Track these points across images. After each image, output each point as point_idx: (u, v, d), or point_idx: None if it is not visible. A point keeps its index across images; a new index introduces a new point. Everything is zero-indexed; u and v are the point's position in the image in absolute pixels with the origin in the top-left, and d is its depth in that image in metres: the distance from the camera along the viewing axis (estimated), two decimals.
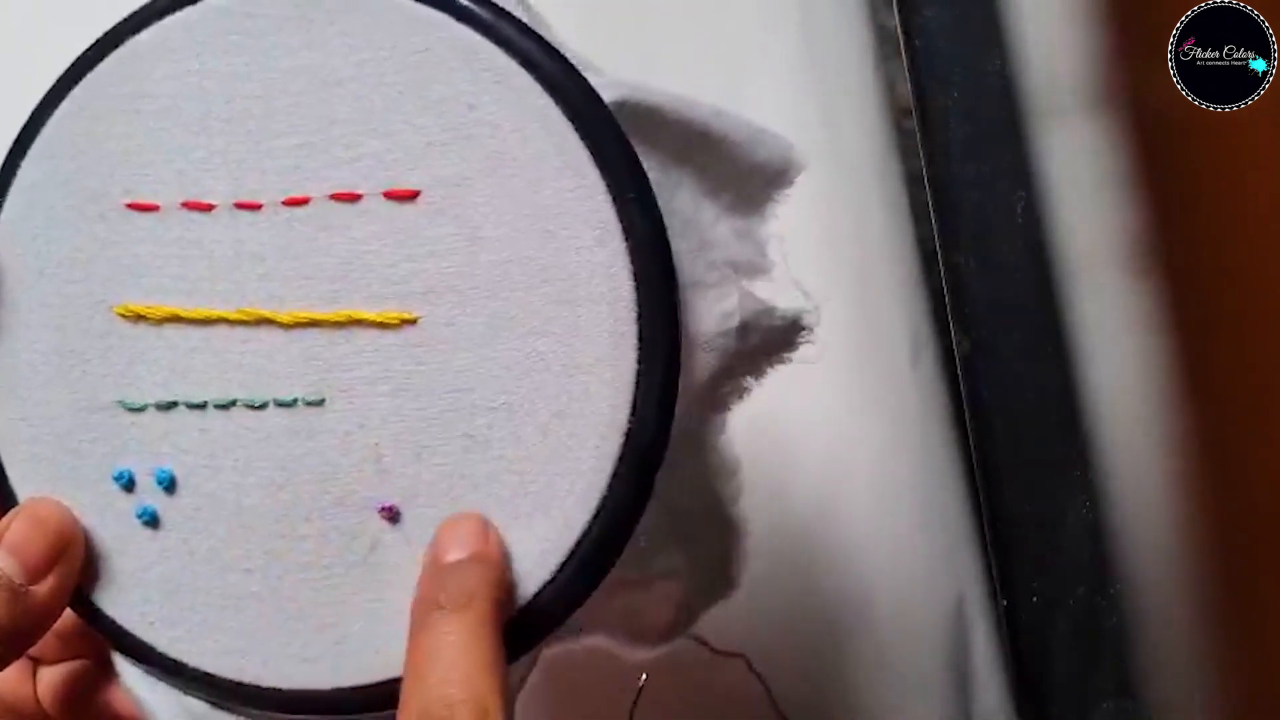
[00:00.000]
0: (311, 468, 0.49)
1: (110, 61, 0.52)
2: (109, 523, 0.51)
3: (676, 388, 0.47)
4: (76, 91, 0.52)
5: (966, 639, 0.81)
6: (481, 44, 0.48)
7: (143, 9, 0.52)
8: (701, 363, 0.51)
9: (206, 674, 0.50)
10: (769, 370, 0.54)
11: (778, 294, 0.54)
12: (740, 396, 0.54)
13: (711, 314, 0.50)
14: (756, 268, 0.54)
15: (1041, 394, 0.79)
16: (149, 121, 0.51)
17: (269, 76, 0.50)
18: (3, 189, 0.53)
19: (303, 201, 0.49)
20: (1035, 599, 0.79)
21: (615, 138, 0.47)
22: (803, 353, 0.55)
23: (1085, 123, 0.74)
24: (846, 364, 0.83)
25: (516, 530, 0.47)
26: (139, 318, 0.51)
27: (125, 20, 0.52)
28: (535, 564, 0.47)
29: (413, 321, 0.48)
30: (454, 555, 0.46)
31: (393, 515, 0.48)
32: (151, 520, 0.51)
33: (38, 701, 0.57)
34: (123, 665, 0.53)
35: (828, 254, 0.84)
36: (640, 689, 0.66)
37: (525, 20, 0.49)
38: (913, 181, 0.87)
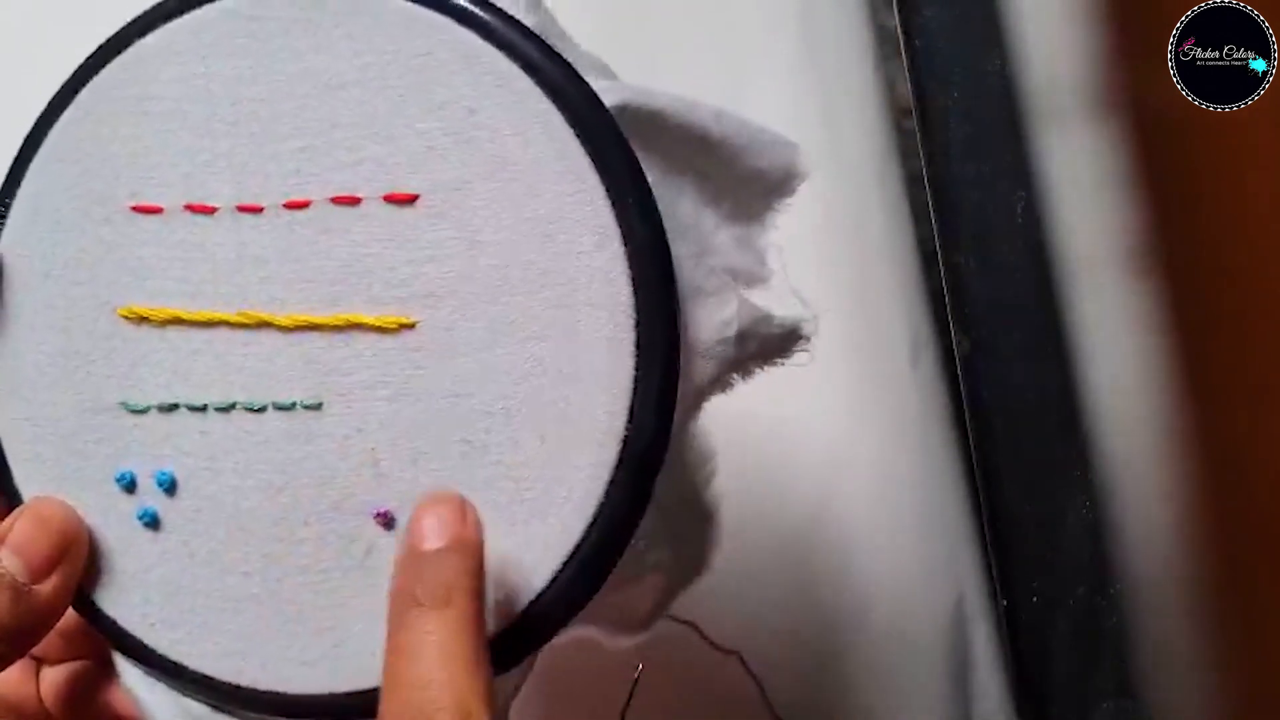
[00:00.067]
0: (310, 471, 0.49)
1: (116, 65, 0.52)
2: (111, 524, 0.52)
3: (675, 394, 0.47)
4: (83, 95, 0.53)
5: (966, 639, 0.81)
6: (483, 48, 0.48)
7: (149, 12, 0.52)
8: (699, 370, 0.51)
9: (206, 676, 0.51)
10: (757, 371, 0.54)
11: (775, 302, 0.53)
12: (724, 390, 0.54)
13: (710, 321, 0.50)
14: (755, 276, 0.54)
15: (1041, 394, 0.79)
16: (155, 124, 0.51)
17: (273, 80, 0.50)
18: (10, 191, 0.54)
19: (303, 205, 0.49)
20: (1035, 599, 0.79)
21: (616, 142, 0.47)
22: (796, 358, 0.55)
23: (1085, 123, 0.74)
24: (846, 364, 0.83)
25: (513, 536, 0.47)
26: (142, 320, 0.51)
27: (131, 23, 0.52)
28: (532, 571, 0.47)
29: (411, 326, 0.48)
30: (431, 543, 0.45)
31: (388, 521, 0.48)
32: (152, 522, 0.51)
33: (40, 701, 0.57)
34: (123, 666, 0.53)
35: (828, 254, 0.84)
36: (636, 679, 0.66)
37: (535, 22, 0.49)
38: (913, 182, 0.87)
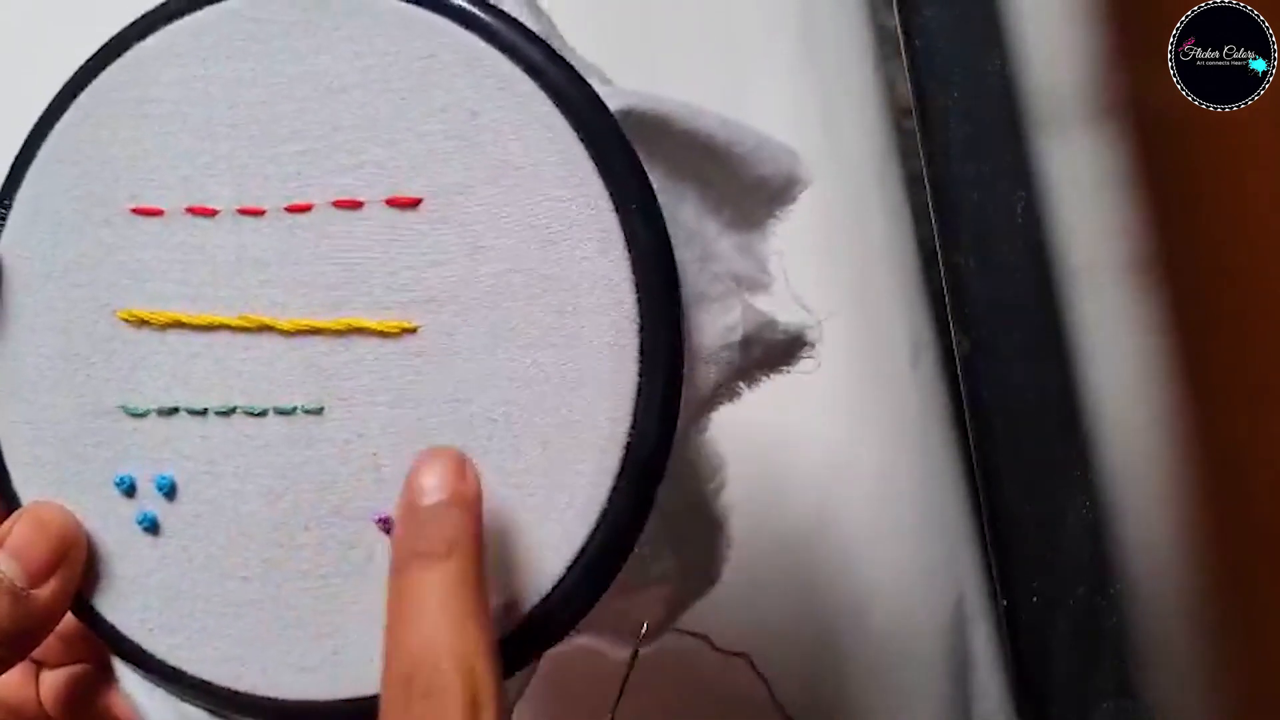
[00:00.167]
0: (310, 476, 0.49)
1: (116, 67, 0.52)
2: (110, 528, 0.51)
3: (678, 401, 0.47)
4: (83, 97, 0.53)
5: (966, 639, 0.81)
6: (486, 50, 0.48)
7: (149, 14, 0.52)
8: (703, 375, 0.50)
9: (204, 681, 0.50)
10: (764, 378, 0.54)
11: (779, 309, 0.53)
12: (731, 399, 0.54)
13: (714, 327, 0.50)
14: (758, 282, 0.53)
15: (1041, 394, 0.79)
16: (155, 126, 0.51)
17: (274, 82, 0.50)
18: (10, 193, 0.53)
19: (305, 208, 0.49)
20: (1035, 599, 0.78)
21: (620, 146, 0.47)
22: (801, 365, 0.55)
23: (1085, 123, 0.74)
24: (847, 364, 0.83)
25: (515, 543, 0.47)
26: (142, 323, 0.51)
27: (131, 25, 0.52)
28: (535, 577, 0.47)
29: (413, 330, 0.48)
30: (432, 497, 0.45)
31: (389, 527, 0.48)
32: (152, 526, 0.51)
33: (40, 704, 0.57)
34: (122, 670, 0.53)
35: (828, 255, 0.84)
36: (631, 664, 0.66)
37: (535, 26, 0.49)
38: (913, 182, 0.87)
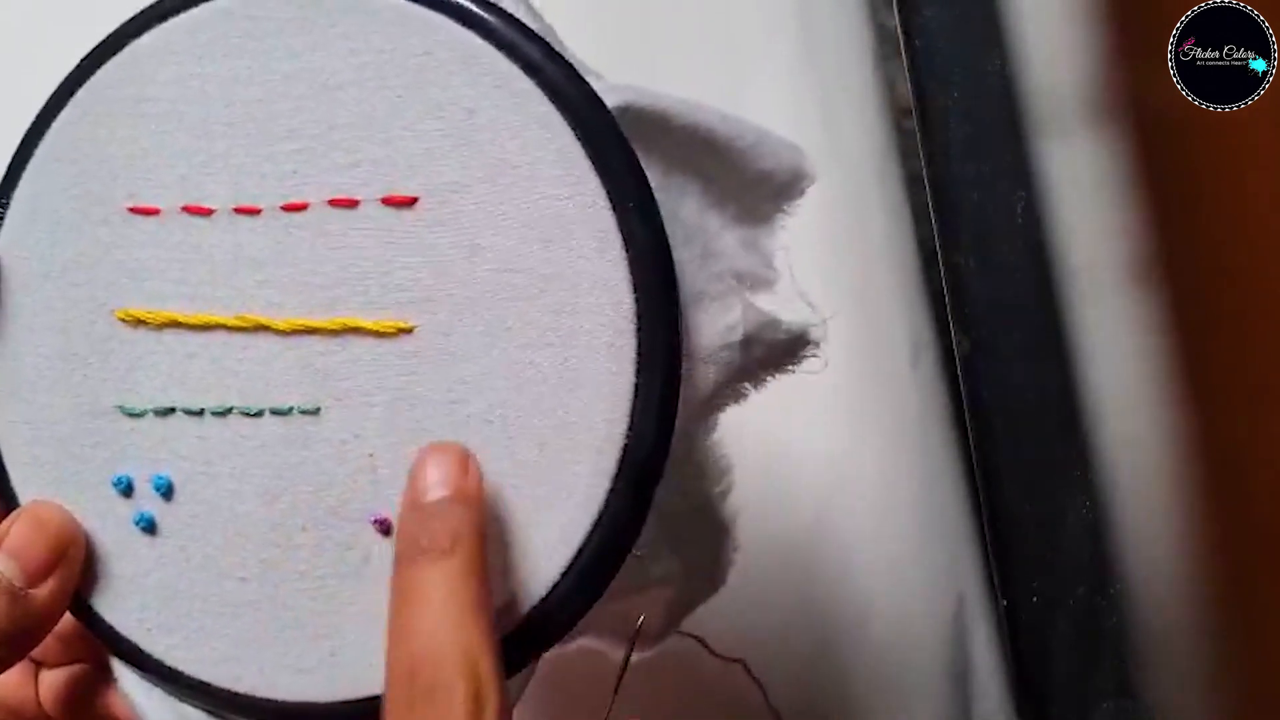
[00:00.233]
0: (307, 477, 0.49)
1: (112, 65, 0.52)
2: (108, 528, 0.51)
3: (676, 401, 0.47)
4: (80, 95, 0.53)
5: (966, 639, 0.81)
6: (483, 48, 0.48)
7: (144, 12, 0.52)
8: (703, 375, 0.50)
9: (202, 682, 0.50)
10: (769, 379, 0.54)
11: (783, 306, 0.53)
12: (737, 400, 0.54)
13: (714, 326, 0.50)
14: (761, 279, 0.53)
15: (1041, 394, 0.79)
16: (151, 125, 0.51)
17: (270, 80, 0.50)
18: (8, 192, 0.53)
19: (301, 207, 0.49)
20: (1035, 599, 0.78)
21: (617, 144, 0.47)
22: (807, 365, 0.54)
23: (1085, 123, 0.74)
24: (847, 364, 0.83)
25: (513, 544, 0.47)
26: (139, 322, 0.51)
27: (127, 24, 0.52)
28: (532, 577, 0.47)
29: (409, 330, 0.48)
30: (435, 493, 0.45)
31: (386, 528, 0.48)
32: (149, 527, 0.51)
33: (39, 704, 0.57)
34: (120, 670, 0.53)
35: (828, 255, 0.84)
36: (626, 660, 0.66)
37: (532, 24, 0.49)
38: (913, 182, 0.87)
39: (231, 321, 0.50)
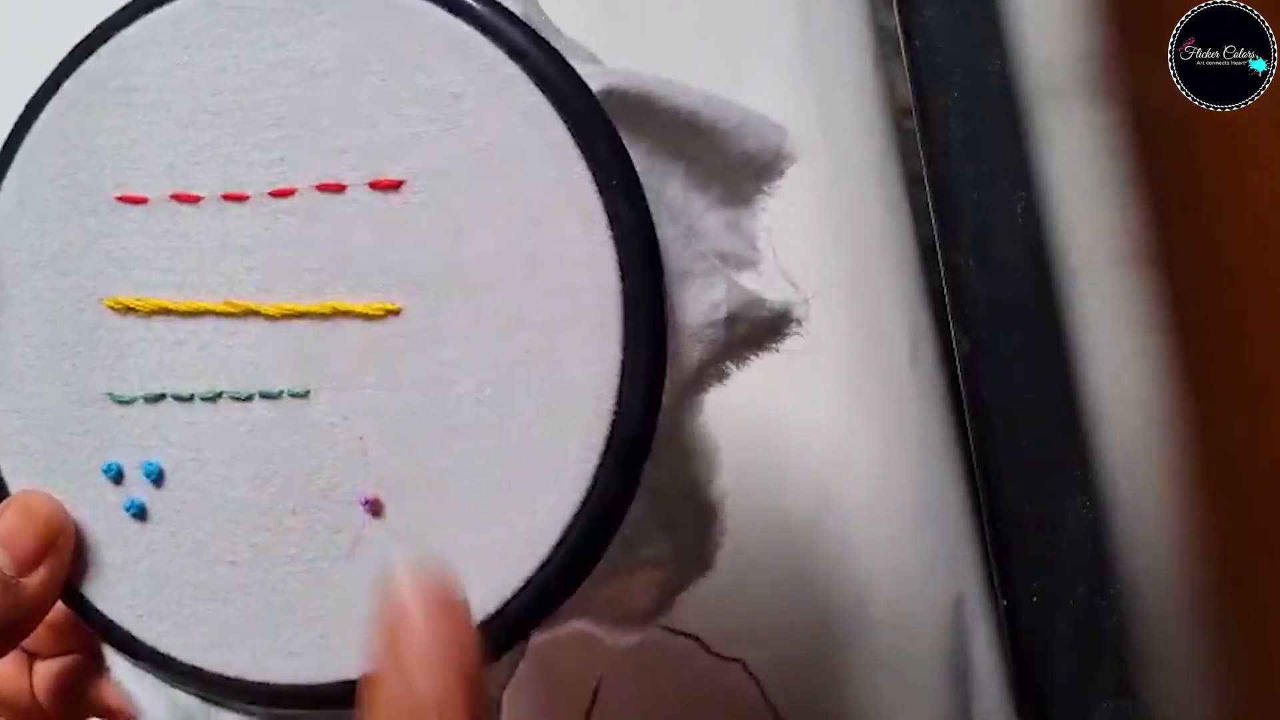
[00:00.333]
0: (297, 460, 0.49)
1: (100, 56, 0.52)
2: (98, 515, 0.51)
3: (663, 378, 0.47)
4: (67, 86, 0.53)
5: (966, 639, 0.81)
6: (469, 34, 0.48)
7: (131, 4, 0.52)
8: (688, 353, 0.50)
9: (195, 668, 0.50)
10: (753, 358, 0.54)
11: (767, 287, 0.53)
12: (720, 380, 0.54)
13: (699, 304, 0.50)
14: (745, 260, 0.53)
15: (1041, 394, 0.79)
16: (139, 115, 0.51)
17: (256, 68, 0.50)
18: None
19: (289, 193, 0.49)
20: (1035, 599, 0.78)
21: (602, 126, 0.47)
22: (790, 344, 0.54)
23: (1085, 123, 0.74)
24: (846, 364, 0.83)
25: (500, 523, 0.47)
26: (128, 310, 0.51)
27: (114, 15, 0.52)
28: (520, 557, 0.47)
29: (396, 312, 0.48)
30: (416, 646, 0.40)
31: (376, 508, 0.48)
32: (139, 513, 0.51)
33: (34, 695, 0.57)
34: (113, 658, 0.53)
35: (828, 254, 0.84)
36: (597, 690, 0.66)
37: (517, 8, 0.49)
38: (913, 182, 0.87)
39: (220, 307, 0.50)
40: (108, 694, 0.56)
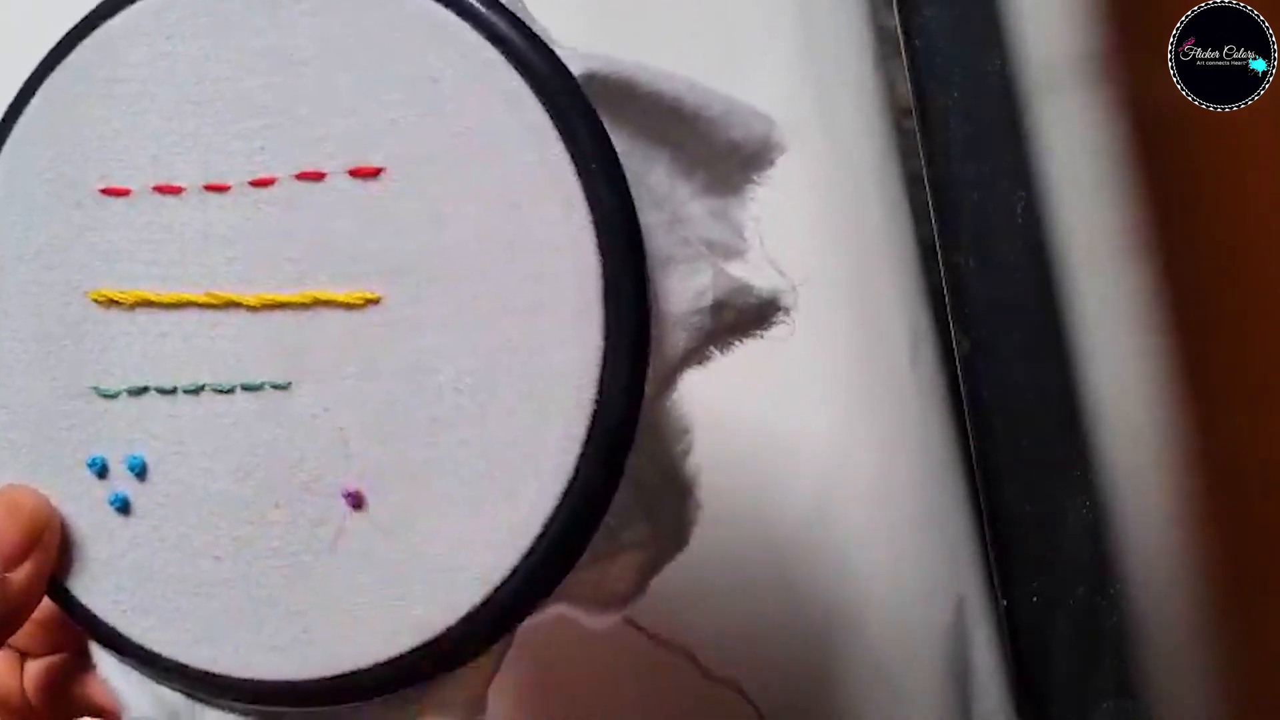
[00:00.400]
0: (280, 453, 0.49)
1: (84, 47, 0.52)
2: (83, 510, 0.51)
3: (645, 366, 0.47)
4: (54, 78, 0.53)
5: (966, 640, 0.81)
6: (448, 19, 0.48)
7: None
8: (673, 340, 0.50)
9: (180, 664, 0.50)
10: (736, 344, 0.54)
11: (755, 275, 0.53)
12: (701, 363, 0.53)
13: (684, 290, 0.49)
14: (732, 249, 0.52)
15: (1041, 394, 0.79)
16: (123, 106, 0.51)
17: (236, 58, 0.50)
18: None
19: (269, 182, 0.49)
20: (1035, 599, 0.78)
21: (581, 110, 0.47)
22: (775, 331, 0.54)
23: (1085, 123, 0.74)
24: (846, 364, 0.83)
25: (484, 513, 0.47)
26: (112, 303, 0.51)
27: (100, 5, 0.52)
28: (502, 548, 0.47)
29: (376, 301, 0.47)
30: None
31: (357, 501, 0.48)
32: (123, 507, 0.51)
33: (25, 694, 0.57)
34: (99, 655, 0.53)
35: (827, 254, 0.83)
36: None
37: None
38: (913, 182, 0.87)
39: (202, 299, 0.49)
40: (95, 692, 0.56)
